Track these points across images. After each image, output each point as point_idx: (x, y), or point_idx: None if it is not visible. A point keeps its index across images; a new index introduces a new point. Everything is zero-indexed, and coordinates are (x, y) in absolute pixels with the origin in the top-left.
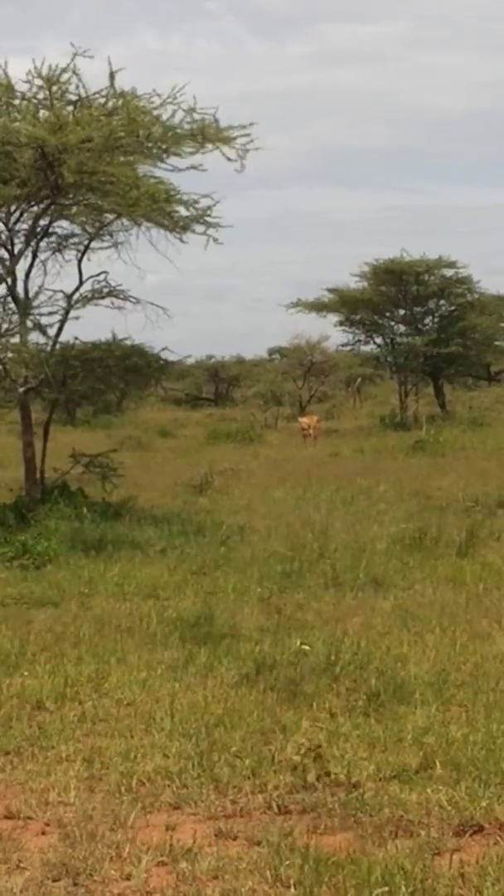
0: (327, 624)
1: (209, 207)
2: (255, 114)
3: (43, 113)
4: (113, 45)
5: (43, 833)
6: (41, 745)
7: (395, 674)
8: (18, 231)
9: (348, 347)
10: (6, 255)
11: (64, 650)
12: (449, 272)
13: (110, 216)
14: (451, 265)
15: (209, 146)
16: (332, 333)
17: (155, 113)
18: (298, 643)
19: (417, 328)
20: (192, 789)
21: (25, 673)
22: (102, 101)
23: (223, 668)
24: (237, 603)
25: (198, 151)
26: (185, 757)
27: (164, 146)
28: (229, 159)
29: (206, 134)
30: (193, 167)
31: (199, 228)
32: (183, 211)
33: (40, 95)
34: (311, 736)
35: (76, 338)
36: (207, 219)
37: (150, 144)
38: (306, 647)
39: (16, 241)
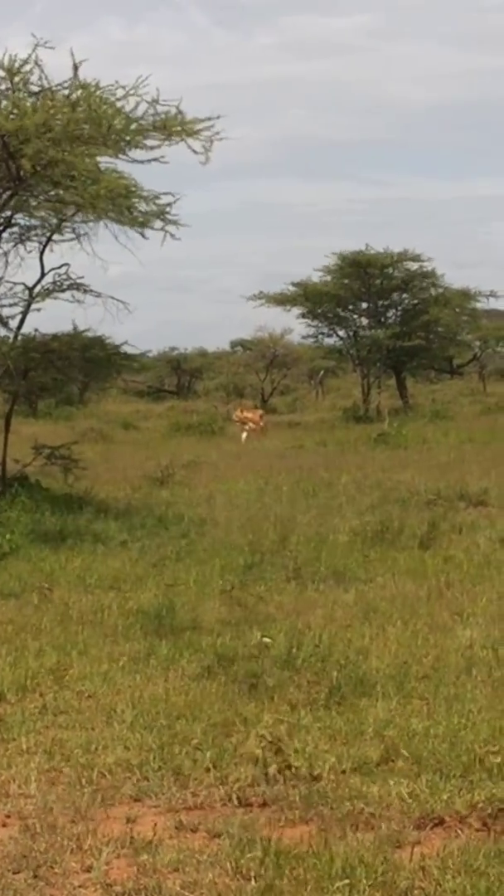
0: (289, 616)
1: (169, 204)
2: (221, 104)
3: (3, 103)
4: (78, 35)
5: (3, 825)
6: (1, 737)
7: (356, 667)
8: None
9: (311, 339)
10: None
11: (25, 642)
12: (413, 266)
13: (71, 209)
14: (416, 258)
15: (174, 139)
16: (295, 326)
17: (118, 105)
18: (260, 636)
19: (380, 321)
20: (152, 782)
21: None
22: (66, 92)
23: (184, 661)
24: (198, 595)
25: (162, 144)
26: (146, 749)
27: (126, 138)
28: (195, 152)
29: (170, 126)
30: (156, 160)
31: (158, 224)
32: (143, 206)
33: (2, 86)
34: (272, 729)
35: (36, 329)
36: (167, 215)
37: (112, 136)
38: (267, 640)
39: None
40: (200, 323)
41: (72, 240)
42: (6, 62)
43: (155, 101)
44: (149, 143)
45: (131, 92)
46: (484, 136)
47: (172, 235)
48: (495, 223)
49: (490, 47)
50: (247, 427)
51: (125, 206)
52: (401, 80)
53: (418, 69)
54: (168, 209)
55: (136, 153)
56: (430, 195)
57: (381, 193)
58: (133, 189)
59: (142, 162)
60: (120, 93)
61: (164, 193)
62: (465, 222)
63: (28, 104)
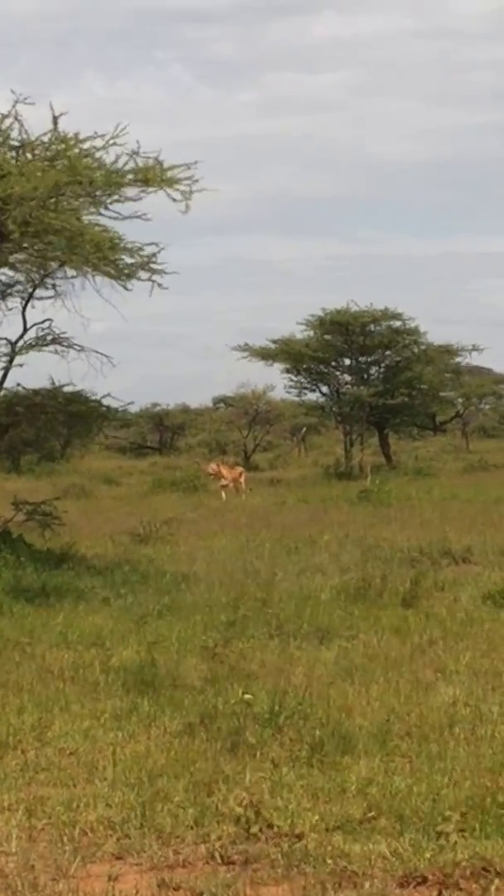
0: (271, 674)
1: (153, 255)
2: (203, 160)
3: None
4: (62, 92)
5: None
6: None
7: (338, 724)
8: None
9: (293, 393)
10: None
11: (6, 699)
12: (396, 323)
13: (54, 264)
14: (398, 316)
15: (153, 188)
16: (277, 383)
17: (97, 156)
18: (241, 693)
19: (363, 378)
20: (134, 839)
21: None
22: (45, 146)
23: (166, 718)
24: (181, 652)
25: (141, 194)
26: (128, 807)
27: (107, 191)
28: (174, 200)
29: (149, 176)
30: (138, 216)
31: (144, 275)
32: (127, 259)
33: None
34: (254, 787)
35: (19, 384)
36: (153, 265)
37: (93, 191)
38: (249, 697)
39: None
40: (183, 378)
41: (52, 297)
42: None
43: (135, 153)
44: (128, 192)
45: (111, 142)
46: (465, 194)
47: (160, 285)
48: (476, 280)
49: (471, 105)
50: (221, 482)
51: (111, 259)
52: (382, 138)
53: (400, 126)
54: (154, 259)
55: (119, 207)
56: (412, 252)
57: (363, 250)
58: (117, 241)
59: (124, 218)
60: (99, 143)
61: (148, 244)
62: (446, 279)
63: (10, 163)
